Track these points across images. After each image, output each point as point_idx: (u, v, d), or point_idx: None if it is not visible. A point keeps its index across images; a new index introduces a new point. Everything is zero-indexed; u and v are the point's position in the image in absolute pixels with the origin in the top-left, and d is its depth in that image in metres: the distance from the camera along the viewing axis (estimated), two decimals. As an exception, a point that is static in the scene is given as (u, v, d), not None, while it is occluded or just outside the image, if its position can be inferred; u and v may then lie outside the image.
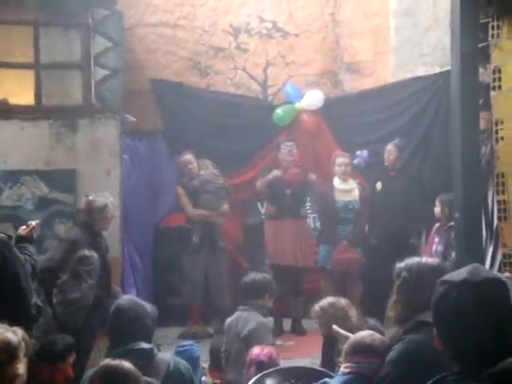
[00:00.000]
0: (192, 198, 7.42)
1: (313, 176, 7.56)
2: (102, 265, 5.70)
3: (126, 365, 2.71)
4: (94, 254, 5.61)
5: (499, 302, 1.86)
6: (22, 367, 2.17)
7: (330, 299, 4.13)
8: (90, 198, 5.88)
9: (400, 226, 7.27)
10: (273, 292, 5.08)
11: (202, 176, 7.49)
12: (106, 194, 5.97)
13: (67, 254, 5.56)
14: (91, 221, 5.78)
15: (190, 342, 5.19)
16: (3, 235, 4.22)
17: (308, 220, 8.11)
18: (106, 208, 5.81)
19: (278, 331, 7.40)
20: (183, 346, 4.89)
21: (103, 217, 5.82)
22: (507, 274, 2.99)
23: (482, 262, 5.16)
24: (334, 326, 3.72)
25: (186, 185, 7.47)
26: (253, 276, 5.12)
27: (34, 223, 5.10)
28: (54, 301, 5.49)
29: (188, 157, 7.48)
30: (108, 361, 2.75)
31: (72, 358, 4.72)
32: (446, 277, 1.95)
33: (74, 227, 5.93)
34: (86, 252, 5.57)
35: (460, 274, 1.91)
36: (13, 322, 3.12)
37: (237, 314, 4.95)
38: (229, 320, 4.93)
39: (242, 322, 4.82)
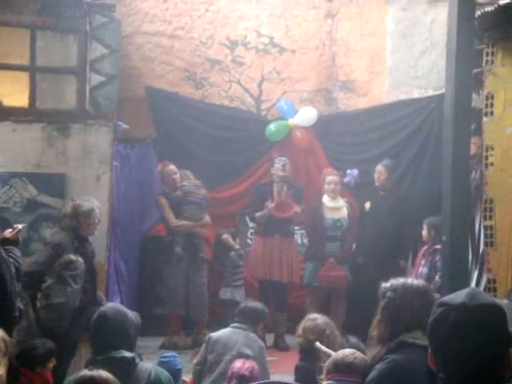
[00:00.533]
0: (175, 208, 7.37)
1: (298, 209, 7.51)
2: (87, 270, 5.66)
3: (104, 374, 2.68)
4: (80, 259, 5.57)
5: (496, 328, 1.87)
6: (1, 368, 2.15)
7: (313, 316, 4.14)
8: (77, 202, 5.86)
9: (387, 246, 7.29)
10: (266, 323, 5.14)
11: (184, 187, 7.45)
12: (91, 199, 5.95)
13: (52, 258, 5.52)
14: (77, 225, 5.75)
15: (173, 353, 5.18)
16: None
17: (295, 236, 8.11)
18: (93, 212, 5.79)
19: (261, 346, 7.39)
20: (166, 357, 4.88)
21: (89, 221, 5.79)
22: (506, 300, 3.01)
23: (468, 285, 5.17)
24: (317, 343, 3.73)
25: (168, 195, 7.41)
26: (254, 304, 5.16)
27: (20, 226, 5.08)
28: (38, 305, 5.46)
29: (171, 167, 7.46)
30: (85, 372, 2.71)
31: (52, 364, 4.70)
32: (444, 299, 1.95)
33: (59, 231, 5.90)
34: (72, 256, 5.54)
35: (458, 296, 1.91)
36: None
37: (228, 330, 4.91)
38: (217, 334, 4.87)
39: (243, 339, 4.78)
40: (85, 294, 5.63)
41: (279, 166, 7.53)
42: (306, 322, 4.10)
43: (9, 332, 4.05)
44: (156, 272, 7.74)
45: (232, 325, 4.94)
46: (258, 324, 5.03)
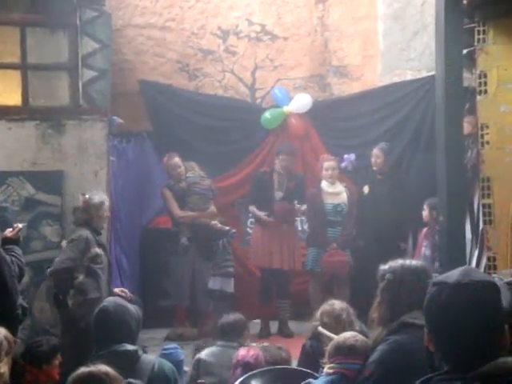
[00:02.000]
0: (179, 200, 7.40)
1: (297, 206, 7.58)
2: (107, 263, 5.74)
3: (103, 368, 2.68)
4: (102, 252, 5.65)
5: (490, 304, 1.87)
6: (3, 366, 2.16)
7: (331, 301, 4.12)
8: (87, 196, 5.85)
9: (387, 229, 7.30)
10: (249, 329, 5.09)
11: (189, 178, 7.47)
12: (100, 193, 5.97)
13: (83, 253, 5.54)
14: (89, 218, 5.75)
15: (175, 345, 5.19)
16: None
17: (296, 223, 8.12)
18: (103, 205, 5.80)
19: (265, 334, 7.41)
20: (167, 349, 4.89)
21: (100, 214, 5.79)
22: (496, 276, 3.01)
23: (465, 264, 5.19)
24: (319, 328, 3.75)
25: (172, 187, 7.44)
26: (231, 317, 5.05)
27: (20, 225, 5.09)
28: (71, 302, 5.47)
29: (176, 159, 7.48)
30: (82, 368, 2.71)
31: (57, 360, 4.71)
32: (439, 278, 1.96)
33: (80, 228, 5.84)
34: (97, 250, 5.60)
35: (452, 275, 1.92)
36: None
37: (217, 350, 4.80)
38: (206, 356, 4.73)
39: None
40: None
41: (281, 164, 7.52)
42: (324, 307, 4.11)
43: (13, 330, 4.07)
44: (159, 264, 7.77)
45: (219, 343, 4.85)
46: (243, 334, 4.95)
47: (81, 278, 5.51)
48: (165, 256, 7.61)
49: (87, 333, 5.28)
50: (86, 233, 5.66)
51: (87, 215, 5.75)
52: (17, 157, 6.54)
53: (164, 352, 4.75)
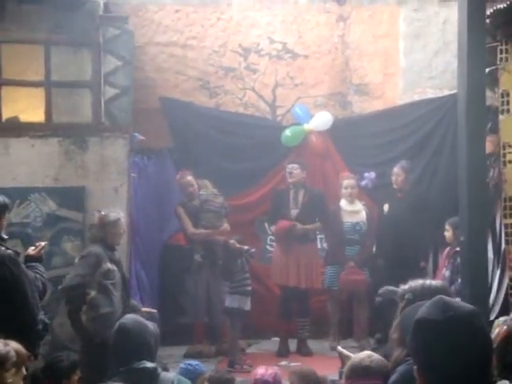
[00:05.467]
0: (192, 217, 7.45)
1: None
2: (121, 278, 5.76)
3: None
4: (115, 268, 5.68)
5: (483, 332, 1.84)
6: (10, 377, 2.18)
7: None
8: (103, 213, 5.90)
9: (407, 248, 7.26)
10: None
11: (202, 195, 7.53)
12: (116, 210, 6.00)
13: (93, 269, 5.57)
14: (105, 235, 5.80)
15: (196, 361, 5.16)
16: (11, 252, 4.27)
17: (315, 241, 8.10)
18: (119, 222, 5.83)
19: (284, 352, 7.38)
20: (189, 364, 4.84)
21: (116, 231, 5.82)
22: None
23: (487, 285, 5.14)
24: (339, 347, 3.72)
25: (186, 205, 7.51)
26: (219, 371, 5.02)
27: (42, 244, 5.14)
28: (84, 317, 5.51)
29: (189, 178, 7.54)
30: None
31: (76, 376, 4.71)
32: (419, 317, 1.89)
33: (92, 244, 5.92)
34: (109, 265, 5.63)
35: (432, 311, 1.86)
36: (18, 336, 3.15)
37: None
38: None
39: None
40: (122, 303, 5.70)
41: (287, 173, 7.56)
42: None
43: (33, 345, 4.09)
44: (177, 281, 7.78)
45: None
46: None
47: (93, 293, 5.56)
48: (181, 273, 7.63)
49: (103, 348, 5.36)
50: (96, 249, 5.70)
51: (102, 232, 5.80)
52: (40, 173, 6.61)
53: (184, 367, 4.72)
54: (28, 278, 4.42)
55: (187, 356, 7.05)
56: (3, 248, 4.35)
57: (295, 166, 7.58)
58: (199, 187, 7.57)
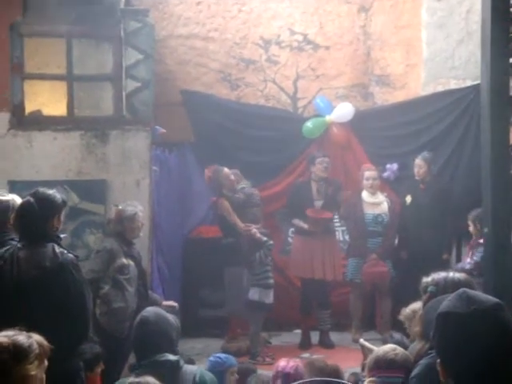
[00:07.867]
0: (237, 211, 7.10)
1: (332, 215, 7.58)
2: (138, 273, 5.78)
3: (151, 380, 2.70)
4: (131, 262, 5.70)
5: (501, 329, 1.82)
6: (34, 369, 2.18)
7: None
8: (120, 207, 5.92)
9: (430, 239, 7.22)
10: None
11: (245, 189, 7.28)
12: (135, 203, 6.01)
13: (106, 264, 5.63)
14: (122, 229, 5.82)
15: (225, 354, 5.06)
16: (71, 255, 4.07)
17: (336, 233, 8.08)
18: (136, 216, 5.85)
19: (306, 344, 7.38)
20: (219, 356, 4.80)
21: (134, 225, 5.84)
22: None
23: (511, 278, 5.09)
24: (361, 340, 3.71)
25: (231, 198, 7.13)
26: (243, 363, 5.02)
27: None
28: (98, 312, 5.55)
29: (226, 170, 7.20)
30: (131, 379, 2.72)
31: (100, 368, 4.74)
32: (442, 310, 1.89)
33: (107, 238, 5.98)
34: (124, 260, 5.66)
35: (456, 304, 1.86)
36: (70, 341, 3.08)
37: None
38: None
39: None
40: (139, 297, 5.73)
41: (321, 166, 7.46)
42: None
43: (77, 349, 4.03)
44: (201, 273, 7.77)
45: None
46: None
47: (106, 288, 5.61)
48: (209, 265, 7.55)
49: (115, 342, 5.38)
50: (111, 243, 5.74)
51: (120, 227, 5.82)
52: (62, 166, 6.65)
53: (213, 359, 4.71)
54: (86, 282, 4.25)
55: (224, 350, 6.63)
56: (65, 251, 4.07)
57: (326, 159, 7.52)
58: (237, 180, 7.30)
